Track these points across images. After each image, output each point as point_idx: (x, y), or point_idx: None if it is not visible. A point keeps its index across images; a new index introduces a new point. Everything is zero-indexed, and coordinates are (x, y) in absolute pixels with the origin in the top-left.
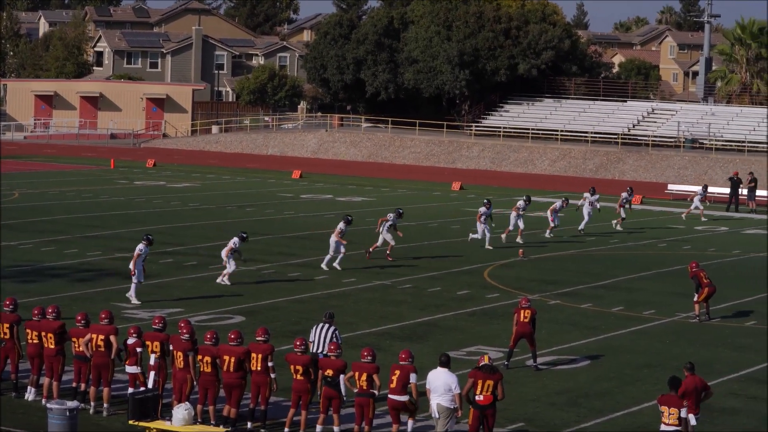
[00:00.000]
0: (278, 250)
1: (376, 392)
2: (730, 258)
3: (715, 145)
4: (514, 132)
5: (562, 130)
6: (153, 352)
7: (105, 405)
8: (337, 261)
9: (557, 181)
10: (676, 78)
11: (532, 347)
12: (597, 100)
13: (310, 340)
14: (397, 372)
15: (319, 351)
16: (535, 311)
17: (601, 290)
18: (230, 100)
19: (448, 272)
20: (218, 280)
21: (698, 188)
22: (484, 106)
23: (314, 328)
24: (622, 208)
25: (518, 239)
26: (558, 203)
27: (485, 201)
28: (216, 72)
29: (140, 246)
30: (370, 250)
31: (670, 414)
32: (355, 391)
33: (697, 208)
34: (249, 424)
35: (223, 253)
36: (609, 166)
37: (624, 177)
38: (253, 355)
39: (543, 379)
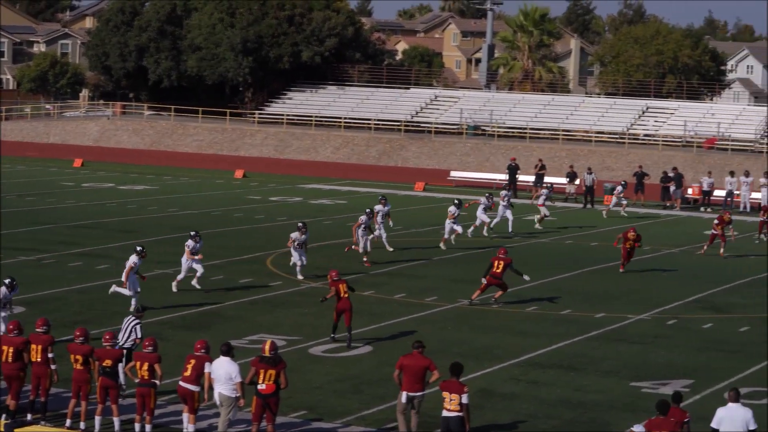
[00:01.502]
0: (60, 240)
1: (158, 382)
2: (511, 244)
3: (497, 131)
4: (298, 119)
5: (345, 118)
6: None
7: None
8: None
9: (340, 168)
10: (460, 65)
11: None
12: (380, 87)
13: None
14: (192, 361)
15: (122, 344)
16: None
17: (383, 277)
18: (11, 87)
19: (230, 260)
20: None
21: (619, 187)
22: (268, 94)
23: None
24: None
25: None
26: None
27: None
28: None
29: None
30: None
31: (451, 400)
32: (137, 381)
33: (619, 204)
34: (29, 416)
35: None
36: (392, 153)
37: (407, 164)
38: (33, 345)
39: (326, 366)
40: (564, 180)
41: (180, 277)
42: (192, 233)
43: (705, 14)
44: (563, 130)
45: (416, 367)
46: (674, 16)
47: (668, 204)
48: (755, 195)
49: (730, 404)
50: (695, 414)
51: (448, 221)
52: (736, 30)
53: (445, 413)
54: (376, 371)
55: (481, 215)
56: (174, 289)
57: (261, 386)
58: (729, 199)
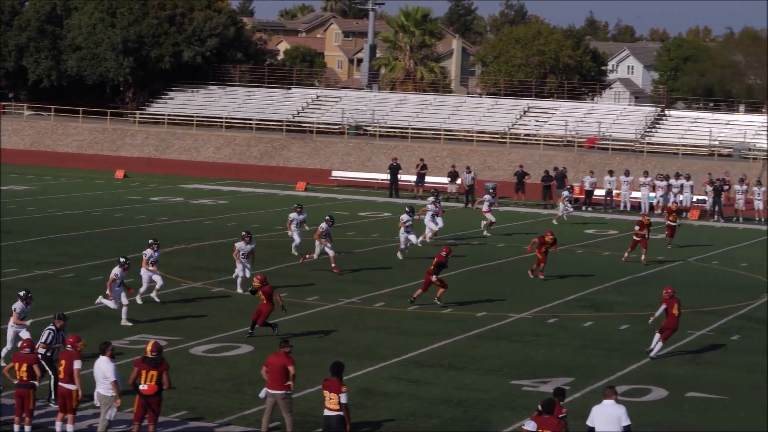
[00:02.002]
0: None
1: (36, 383)
2: (393, 243)
3: (379, 131)
4: (179, 119)
5: (227, 118)
6: None
7: None
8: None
9: (222, 168)
10: (341, 65)
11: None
12: (262, 87)
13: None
14: (63, 361)
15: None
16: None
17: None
18: None
19: (111, 261)
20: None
21: (565, 192)
22: (149, 94)
23: None
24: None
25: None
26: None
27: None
28: None
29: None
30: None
31: (330, 399)
32: (16, 382)
33: (566, 209)
34: None
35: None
36: (274, 153)
37: (289, 164)
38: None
39: (206, 367)
40: (446, 180)
41: (142, 289)
42: (150, 241)
43: (586, 15)
44: (445, 130)
45: (278, 366)
46: (555, 16)
47: (549, 203)
48: (635, 194)
49: (605, 401)
50: (575, 411)
51: (401, 230)
52: (617, 30)
53: (326, 412)
54: (257, 371)
55: (429, 223)
56: (139, 300)
57: (143, 387)
58: (608, 198)
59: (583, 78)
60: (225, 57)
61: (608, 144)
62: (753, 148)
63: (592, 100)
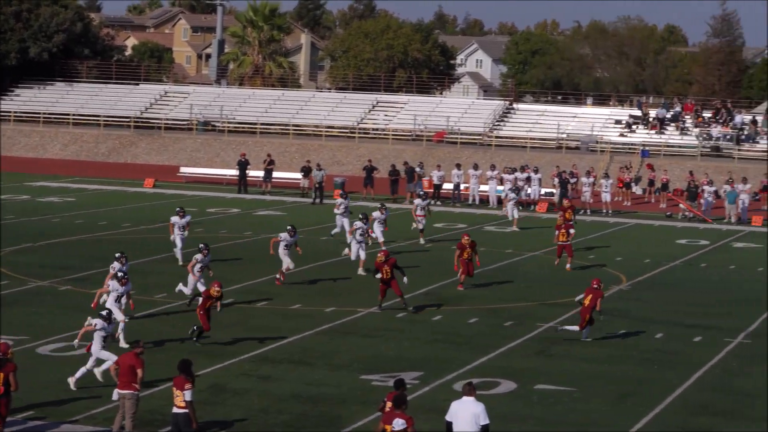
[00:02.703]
0: None
1: None
2: (242, 240)
3: (228, 127)
4: (25, 116)
5: (74, 114)
6: None
7: None
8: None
9: (69, 165)
10: (190, 60)
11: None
12: (109, 83)
13: None
14: None
15: None
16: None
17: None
18: None
19: None
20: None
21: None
22: None
23: None
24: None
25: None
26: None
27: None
28: None
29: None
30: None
31: (176, 396)
32: None
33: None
34: None
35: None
36: (122, 149)
37: (137, 160)
38: None
39: (54, 366)
40: (298, 175)
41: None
42: (117, 254)
43: (435, 9)
44: (294, 125)
45: (126, 366)
46: (404, 11)
47: (396, 197)
48: (483, 188)
49: (464, 398)
50: (425, 405)
51: (353, 240)
52: (466, 25)
53: (174, 410)
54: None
55: (377, 230)
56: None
57: None
58: (456, 191)
59: (432, 72)
60: (72, 53)
61: (457, 138)
62: (600, 141)
63: (441, 94)
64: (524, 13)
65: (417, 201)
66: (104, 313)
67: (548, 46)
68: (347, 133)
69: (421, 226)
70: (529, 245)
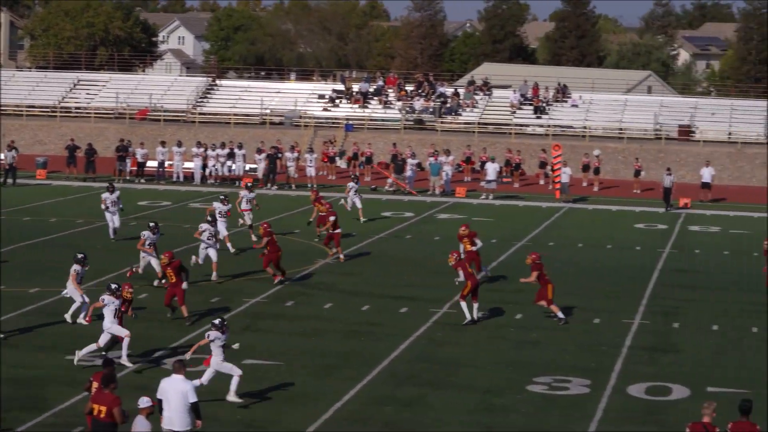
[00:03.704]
0: None
1: None
2: None
3: None
4: None
5: None
6: None
7: None
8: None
9: None
10: None
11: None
12: None
13: None
14: None
15: None
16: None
17: None
18: None
19: None
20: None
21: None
22: None
23: None
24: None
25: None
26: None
27: (222, 196)
28: None
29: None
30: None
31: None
32: None
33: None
34: None
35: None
36: None
37: None
38: None
39: None
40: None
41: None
42: (78, 256)
43: None
44: None
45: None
46: None
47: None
48: (188, 164)
49: (174, 375)
50: (134, 383)
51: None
52: (168, 2)
53: None
54: None
55: (221, 228)
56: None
57: None
58: (161, 169)
59: (134, 50)
60: None
61: (160, 115)
62: (304, 116)
63: (143, 71)
64: None
65: (243, 193)
66: (113, 286)
67: (251, 22)
68: (48, 112)
69: (248, 221)
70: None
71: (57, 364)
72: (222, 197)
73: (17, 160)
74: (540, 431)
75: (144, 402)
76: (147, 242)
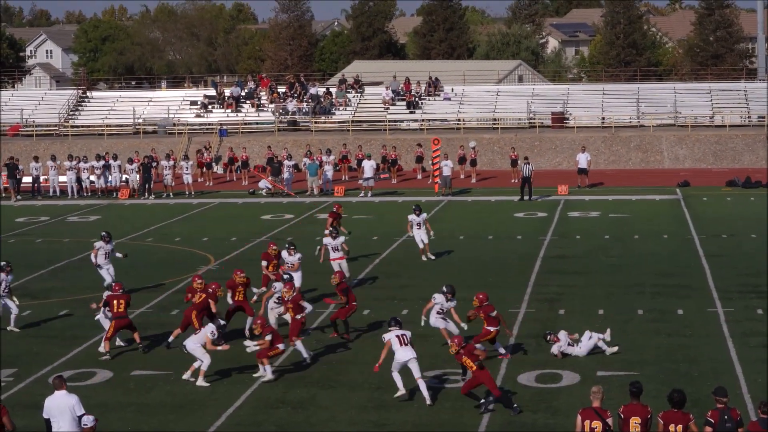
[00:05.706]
0: None
1: None
2: None
3: None
4: None
5: None
6: None
7: None
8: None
9: None
10: None
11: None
12: None
13: None
14: None
15: None
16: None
17: None
18: None
19: None
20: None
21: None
22: None
23: None
24: None
25: None
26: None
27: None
28: None
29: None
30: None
31: None
32: None
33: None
34: None
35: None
36: None
37: None
38: None
39: None
40: None
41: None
42: (3, 263)
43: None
44: None
45: None
46: None
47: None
48: (62, 178)
49: (56, 392)
50: (21, 402)
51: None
52: (33, 16)
53: None
54: None
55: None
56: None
57: None
58: (36, 185)
59: (2, 66)
60: None
61: (32, 130)
62: (177, 123)
63: (13, 87)
64: (90, 1)
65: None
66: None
67: (118, 32)
68: None
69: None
70: (118, 232)
71: None
72: (288, 246)
73: None
74: (433, 424)
75: (89, 420)
76: (101, 252)
